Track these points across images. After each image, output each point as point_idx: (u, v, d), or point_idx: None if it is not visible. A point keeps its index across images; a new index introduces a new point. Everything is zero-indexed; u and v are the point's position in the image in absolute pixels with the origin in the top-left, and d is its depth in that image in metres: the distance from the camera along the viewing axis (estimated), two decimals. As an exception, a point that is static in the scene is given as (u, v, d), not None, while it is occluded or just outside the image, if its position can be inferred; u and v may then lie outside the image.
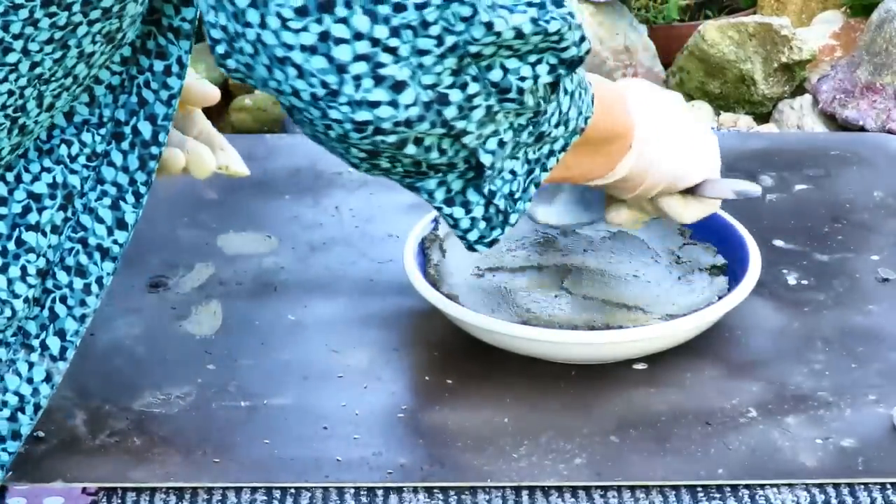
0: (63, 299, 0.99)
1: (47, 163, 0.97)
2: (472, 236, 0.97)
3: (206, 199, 1.40)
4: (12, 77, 0.90)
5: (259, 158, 1.46)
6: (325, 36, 0.80)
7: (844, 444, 1.08)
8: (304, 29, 0.80)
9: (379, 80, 0.81)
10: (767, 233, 1.33)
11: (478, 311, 1.15)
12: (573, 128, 0.96)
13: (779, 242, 1.34)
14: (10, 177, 0.96)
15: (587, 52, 0.91)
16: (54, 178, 0.97)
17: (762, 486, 1.05)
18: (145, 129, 0.97)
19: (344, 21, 0.80)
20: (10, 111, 0.91)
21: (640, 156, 1.08)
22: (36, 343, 0.99)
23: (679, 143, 1.11)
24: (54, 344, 0.99)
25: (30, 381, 1.00)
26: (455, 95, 0.84)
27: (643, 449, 1.08)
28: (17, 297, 0.97)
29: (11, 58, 0.89)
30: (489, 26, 0.83)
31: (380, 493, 1.05)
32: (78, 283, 0.99)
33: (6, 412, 1.00)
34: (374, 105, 0.82)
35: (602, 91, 1.02)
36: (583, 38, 0.89)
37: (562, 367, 1.16)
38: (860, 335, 1.21)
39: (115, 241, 0.99)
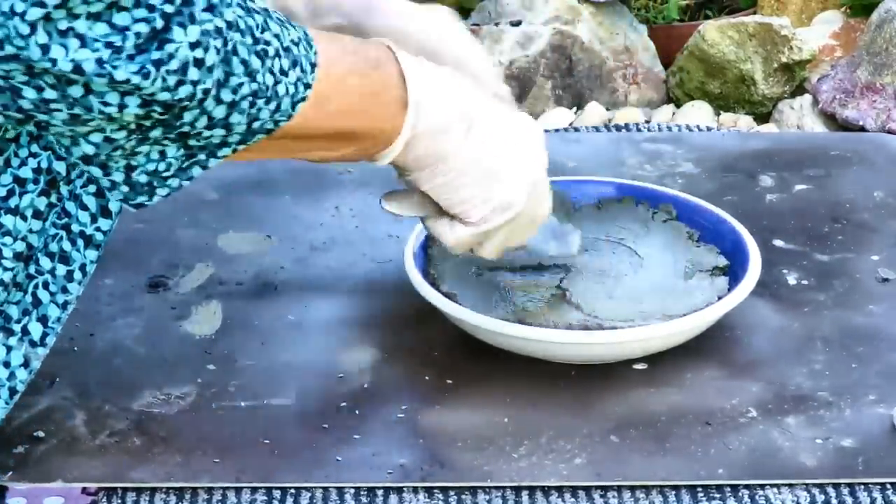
0: (45, 285, 0.99)
1: (35, 148, 0.97)
2: (116, 196, 0.96)
3: (206, 199, 1.40)
4: None
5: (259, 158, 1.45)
6: None
7: (844, 444, 1.08)
8: None
9: None
10: (767, 233, 1.33)
11: (477, 311, 1.15)
12: (245, 130, 0.93)
13: (779, 242, 1.34)
14: None
15: (191, 96, 0.88)
16: (39, 163, 0.97)
17: (762, 486, 1.05)
18: None
19: None
20: None
21: (416, 149, 1.02)
22: (17, 328, 0.99)
23: (485, 152, 1.05)
24: (35, 329, 0.99)
25: (6, 364, 1.00)
26: (29, 93, 0.85)
27: (643, 449, 1.08)
28: None
29: None
30: (45, 50, 0.83)
31: (380, 493, 1.05)
32: (61, 270, 0.99)
33: None
34: None
35: (364, 86, 0.99)
36: (181, 83, 0.87)
37: (562, 367, 1.16)
38: (860, 335, 1.21)
39: (98, 229, 0.99)
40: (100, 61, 0.84)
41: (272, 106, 0.93)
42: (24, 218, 0.97)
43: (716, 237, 1.25)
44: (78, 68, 0.84)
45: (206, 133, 0.92)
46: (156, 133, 0.91)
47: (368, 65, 1.00)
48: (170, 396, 1.13)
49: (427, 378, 1.16)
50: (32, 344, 1.00)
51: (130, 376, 1.16)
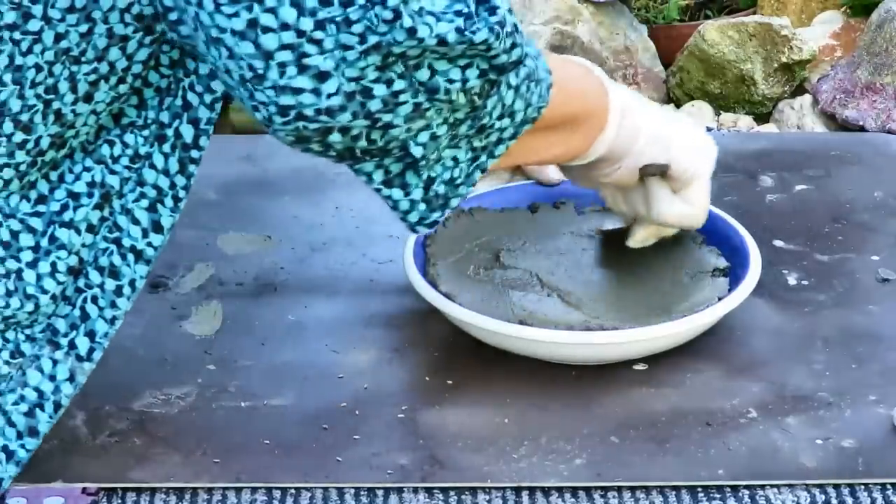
0: (94, 299, 0.99)
1: (89, 162, 0.97)
2: (412, 218, 1.00)
3: (206, 199, 1.40)
4: (37, 48, 0.90)
5: (259, 158, 1.46)
6: (253, 23, 0.84)
7: (844, 445, 1.08)
8: (235, 14, 0.84)
9: (303, 69, 0.84)
10: (767, 233, 1.33)
11: (477, 311, 1.15)
12: (522, 119, 0.98)
13: (779, 242, 1.34)
14: (53, 175, 0.97)
15: (520, 58, 0.92)
16: (93, 177, 0.97)
17: (762, 487, 1.05)
18: (187, 132, 0.97)
19: (272, 11, 0.83)
20: (40, 90, 0.91)
21: (621, 128, 1.09)
22: (64, 341, 1.00)
23: (664, 116, 1.12)
24: (83, 344, 1.00)
25: (52, 378, 1.00)
26: (379, 90, 0.87)
27: (643, 449, 1.08)
28: (44, 292, 0.97)
29: (33, 25, 0.89)
30: (412, 32, 0.85)
31: (380, 493, 1.05)
32: (110, 284, 0.99)
33: (23, 407, 1.00)
34: (298, 91, 0.85)
35: (573, 73, 1.05)
36: (514, 45, 0.91)
37: (562, 368, 1.16)
38: (860, 335, 1.21)
39: (149, 244, 0.99)
40: (458, 29, 0.86)
41: (538, 90, 0.98)
42: (79, 232, 0.97)
43: (716, 237, 1.25)
44: (443, 41, 0.86)
45: (497, 124, 0.96)
46: (463, 128, 0.94)
47: (559, 56, 1.07)
48: (170, 396, 1.13)
49: (427, 378, 1.16)
50: (79, 358, 1.00)
51: (130, 376, 1.16)
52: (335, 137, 0.89)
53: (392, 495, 1.04)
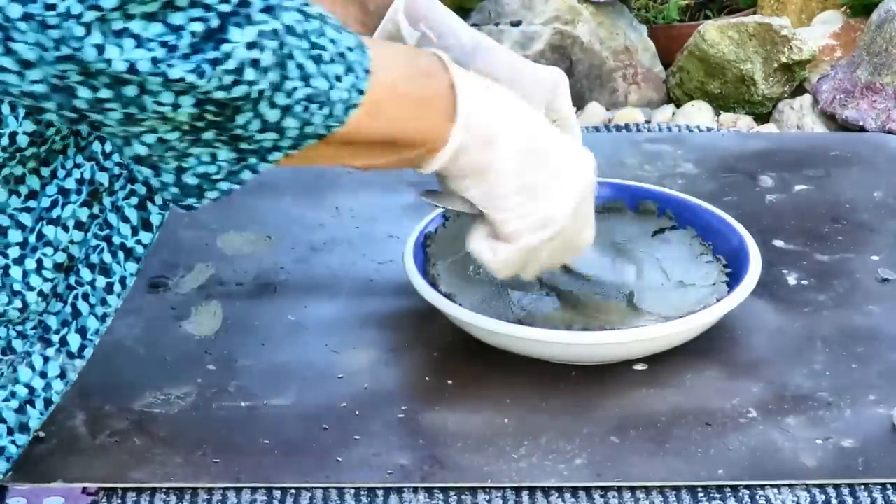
0: (85, 297, 0.99)
1: (80, 159, 0.97)
2: (166, 195, 0.95)
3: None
4: None
5: (259, 158, 1.45)
6: None
7: (844, 445, 1.08)
8: None
9: (8, 51, 0.83)
10: (767, 233, 1.33)
11: (477, 312, 1.15)
12: (299, 135, 0.92)
13: (779, 242, 1.34)
14: (45, 171, 0.97)
15: (248, 95, 0.87)
16: (82, 173, 0.97)
17: (762, 487, 1.05)
18: None
19: None
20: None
21: (462, 160, 1.02)
22: (55, 338, 1.00)
23: (526, 166, 1.04)
24: (74, 341, 1.00)
25: (43, 375, 1.00)
26: (84, 93, 0.85)
27: (643, 449, 1.08)
28: (31, 289, 0.98)
29: None
30: (100, 50, 0.83)
31: (380, 493, 1.05)
32: (101, 282, 0.99)
33: (14, 403, 1.00)
34: (3, 70, 0.84)
35: (411, 96, 0.99)
36: (237, 83, 0.86)
37: (562, 368, 1.16)
38: (860, 335, 1.21)
39: (138, 242, 1.00)
40: (154, 60, 0.83)
41: (325, 111, 0.92)
42: (66, 228, 0.97)
43: (716, 238, 1.25)
44: (132, 68, 0.83)
45: (259, 136, 0.91)
46: (208, 135, 0.90)
47: (420, 73, 1.00)
48: (170, 396, 1.13)
49: (427, 378, 1.16)
50: (70, 356, 1.00)
51: (130, 376, 1.16)
52: (52, 117, 0.87)
53: (392, 495, 1.04)
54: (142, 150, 0.90)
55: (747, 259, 1.20)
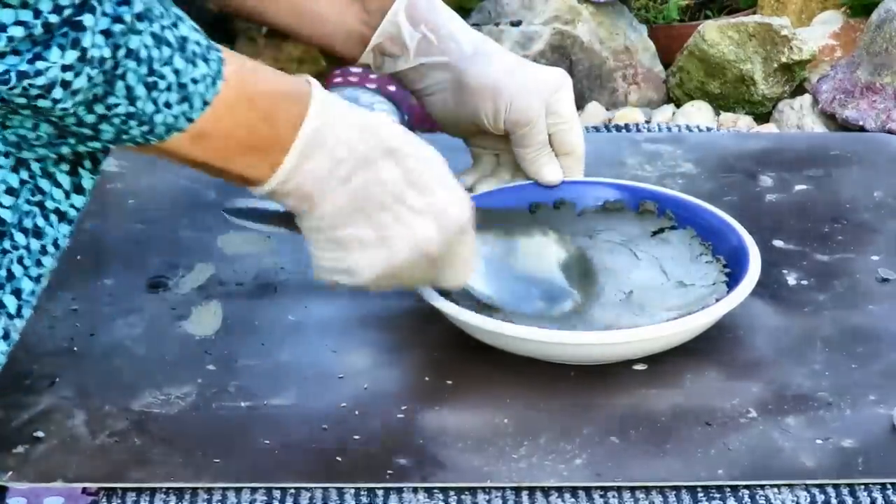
0: (20, 260, 0.99)
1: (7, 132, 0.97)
2: None
3: (207, 199, 1.40)
4: None
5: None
6: None
7: (844, 444, 1.08)
8: None
9: None
10: (767, 233, 1.33)
11: (475, 311, 1.15)
12: (113, 139, 0.94)
13: (779, 242, 1.34)
14: None
15: (49, 109, 0.89)
16: (5, 137, 0.97)
17: (762, 487, 1.05)
18: None
19: None
20: None
21: (294, 180, 1.03)
22: None
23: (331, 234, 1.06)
24: (11, 302, 1.00)
25: None
26: None
27: (643, 449, 1.08)
28: None
29: None
30: None
31: (380, 493, 1.05)
32: (35, 245, 0.99)
33: None
34: None
35: (245, 136, 1.00)
36: (40, 97, 0.88)
37: (562, 368, 1.16)
38: (860, 335, 1.21)
39: (72, 206, 1.00)
40: None
41: (145, 128, 0.95)
42: None
43: (715, 238, 1.25)
44: None
45: (74, 129, 0.93)
46: (25, 112, 0.91)
47: (262, 118, 1.00)
48: (170, 396, 1.13)
49: (427, 378, 1.16)
50: (10, 316, 1.00)
51: (130, 376, 1.16)
52: None
53: (392, 495, 1.04)
54: None
55: (747, 259, 1.20)
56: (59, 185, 0.99)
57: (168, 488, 1.05)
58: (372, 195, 1.04)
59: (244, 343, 1.20)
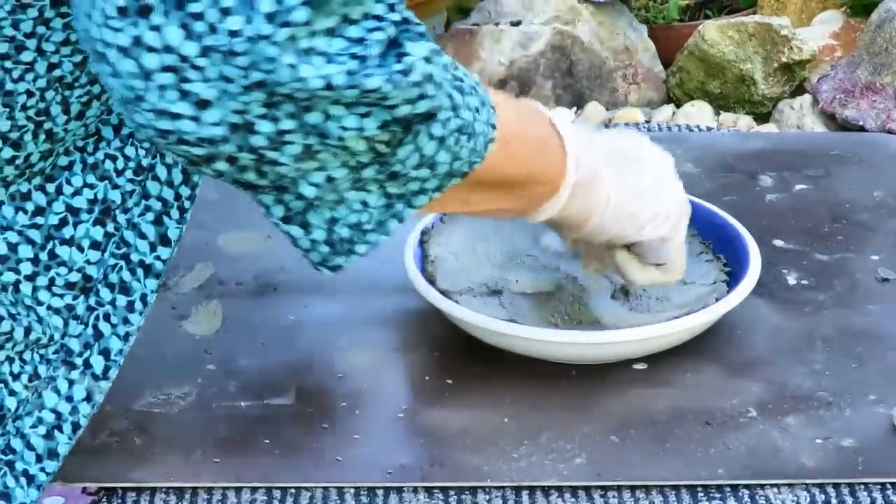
0: (107, 317, 0.99)
1: (91, 178, 0.96)
2: (315, 258, 0.95)
3: (207, 199, 1.39)
4: (29, 77, 0.89)
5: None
6: (137, 41, 0.79)
7: (844, 444, 1.08)
8: (121, 30, 0.79)
9: (184, 95, 0.80)
10: (767, 233, 1.33)
11: (476, 311, 1.15)
12: (447, 172, 0.91)
13: (779, 242, 1.34)
14: (50, 188, 0.96)
15: (431, 111, 0.86)
16: (95, 194, 0.96)
17: (762, 486, 1.05)
18: None
19: (157, 29, 0.79)
20: (31, 113, 0.91)
21: (573, 198, 1.03)
22: (79, 361, 0.99)
23: (640, 185, 1.07)
24: (98, 363, 0.99)
25: (69, 399, 0.99)
26: (264, 127, 0.82)
27: (643, 449, 1.08)
28: (40, 304, 0.97)
29: (26, 56, 0.88)
30: (295, 71, 0.79)
31: (380, 493, 1.05)
32: (121, 301, 0.99)
33: (42, 429, 0.99)
34: (176, 117, 0.81)
35: (529, 133, 0.99)
36: (422, 97, 0.84)
37: (562, 367, 1.16)
38: (860, 335, 1.21)
39: (157, 258, 0.99)
40: (350, 73, 0.81)
41: (471, 144, 0.91)
42: (81, 249, 0.97)
43: (716, 237, 1.25)
44: (329, 84, 0.80)
45: (413, 174, 0.90)
46: (369, 172, 0.88)
47: (529, 113, 1.00)
48: (170, 396, 1.13)
49: (427, 378, 1.16)
50: (95, 377, 0.99)
51: (130, 376, 1.15)
52: (222, 166, 0.85)
53: (392, 495, 1.04)
54: (310, 192, 0.87)
55: (747, 258, 1.20)
56: (144, 237, 0.98)
57: (168, 488, 1.05)
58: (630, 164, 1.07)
59: (244, 343, 1.20)
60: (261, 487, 1.05)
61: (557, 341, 1.13)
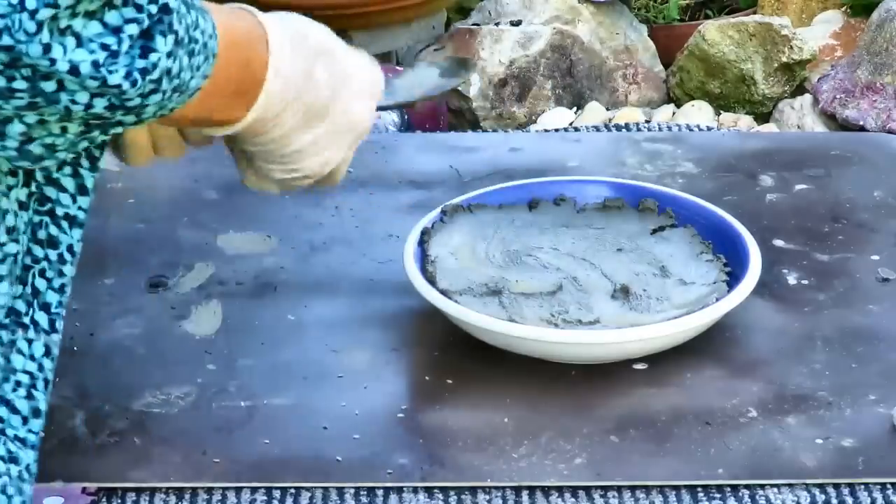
0: (42, 273, 0.99)
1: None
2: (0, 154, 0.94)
3: (207, 199, 1.40)
4: None
5: (259, 158, 1.45)
6: None
7: (844, 444, 1.08)
8: None
9: None
10: (767, 233, 1.33)
11: (476, 311, 1.15)
12: (150, 115, 0.92)
13: (779, 242, 1.34)
14: None
15: (158, 103, 0.88)
16: (29, 152, 0.97)
17: (762, 486, 1.05)
18: None
19: None
20: None
21: (249, 130, 1.04)
22: (27, 321, 0.99)
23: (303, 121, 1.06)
24: (42, 318, 1.00)
25: (32, 357, 1.00)
26: None
27: (643, 449, 1.08)
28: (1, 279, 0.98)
29: None
30: (46, 49, 0.81)
31: (380, 493, 1.05)
32: (52, 255, 0.99)
33: (22, 391, 0.99)
34: None
35: (231, 83, 0.99)
36: (154, 91, 0.87)
37: (562, 367, 1.16)
38: (860, 335, 1.21)
39: (80, 208, 1.00)
40: (95, 64, 0.83)
41: (180, 98, 0.93)
42: (16, 214, 0.97)
43: (716, 237, 1.25)
44: (75, 69, 0.83)
45: (118, 118, 0.91)
46: (78, 117, 0.89)
47: (244, 64, 1.00)
48: (170, 396, 1.13)
49: (427, 378, 1.16)
50: (46, 332, 1.00)
51: (130, 376, 1.16)
52: None
53: (392, 495, 1.04)
54: (19, 128, 0.89)
55: (747, 258, 1.20)
56: (64, 190, 0.99)
57: (168, 488, 1.05)
58: (312, 107, 1.05)
59: (244, 343, 1.20)
60: (261, 487, 1.05)
61: (557, 341, 1.13)
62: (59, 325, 1.00)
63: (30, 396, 0.99)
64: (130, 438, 1.09)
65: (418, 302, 1.20)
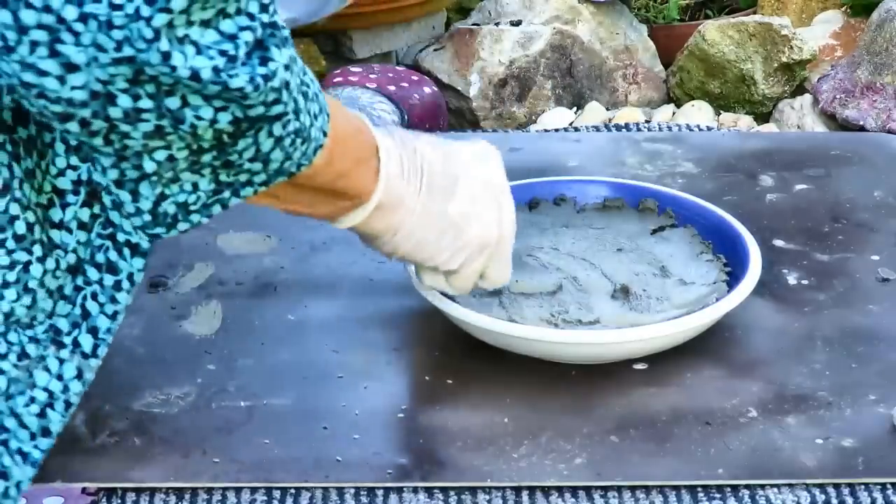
0: (94, 296, 0.99)
1: (74, 160, 0.97)
2: (135, 221, 0.96)
3: (206, 199, 1.40)
4: None
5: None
6: None
7: (844, 444, 1.08)
8: None
9: (54, 54, 0.82)
10: (767, 233, 1.33)
11: (476, 311, 1.15)
12: (277, 169, 0.94)
13: (779, 242, 1.34)
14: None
15: (280, 114, 0.89)
16: (79, 175, 0.97)
17: (762, 486, 1.05)
18: None
19: None
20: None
21: (374, 219, 1.06)
22: (68, 340, 0.99)
23: (433, 221, 1.09)
24: (86, 341, 0.99)
25: (59, 377, 1.00)
26: (123, 101, 0.84)
27: (643, 449, 1.08)
28: (42, 286, 0.97)
29: None
30: (166, 56, 0.82)
31: (380, 493, 1.05)
32: (108, 280, 0.99)
33: (34, 408, 0.99)
34: (42, 73, 0.82)
35: (352, 151, 1.02)
36: (276, 101, 0.88)
37: (562, 367, 1.16)
38: (860, 335, 1.21)
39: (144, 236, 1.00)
40: (216, 69, 0.83)
41: (304, 148, 0.94)
42: (70, 231, 0.97)
43: (716, 237, 1.25)
44: (196, 75, 0.83)
45: (247, 166, 0.92)
46: (207, 157, 0.90)
47: (355, 129, 1.03)
48: (170, 396, 1.13)
49: (427, 377, 1.16)
50: (84, 356, 1.00)
51: (130, 376, 1.16)
52: (73, 127, 0.86)
53: (392, 495, 1.04)
54: (149, 167, 0.90)
55: (747, 258, 1.20)
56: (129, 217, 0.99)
57: (168, 488, 1.05)
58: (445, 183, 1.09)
59: (244, 343, 1.20)
60: (261, 487, 1.05)
61: (557, 341, 1.13)
62: (102, 351, 1.00)
63: (42, 415, 0.99)
64: (130, 438, 1.09)
65: (418, 302, 1.20)
